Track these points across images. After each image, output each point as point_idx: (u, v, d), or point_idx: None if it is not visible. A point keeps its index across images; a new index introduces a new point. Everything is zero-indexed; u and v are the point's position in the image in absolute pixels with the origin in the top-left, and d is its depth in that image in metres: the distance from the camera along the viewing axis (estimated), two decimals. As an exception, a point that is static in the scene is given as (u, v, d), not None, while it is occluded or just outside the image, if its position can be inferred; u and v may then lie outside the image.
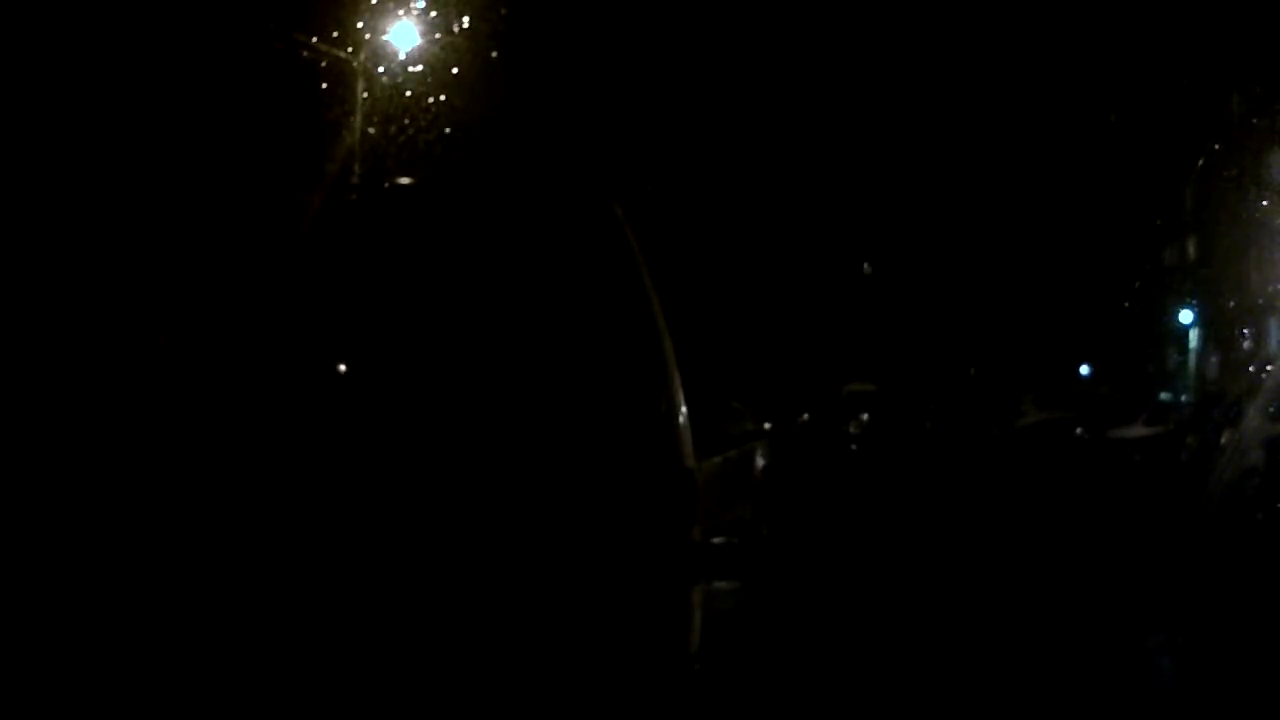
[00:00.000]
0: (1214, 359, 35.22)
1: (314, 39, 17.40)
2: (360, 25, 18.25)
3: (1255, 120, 28.14)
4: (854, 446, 28.29)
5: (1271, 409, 14.16)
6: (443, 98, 18.55)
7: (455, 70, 18.58)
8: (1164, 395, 33.19)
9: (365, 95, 18.36)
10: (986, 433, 27.99)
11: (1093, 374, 39.50)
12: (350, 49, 18.23)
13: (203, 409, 4.95)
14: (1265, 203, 27.35)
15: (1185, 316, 37.40)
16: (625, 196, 5.33)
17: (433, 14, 18.54)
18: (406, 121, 18.47)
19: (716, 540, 12.00)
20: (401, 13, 18.57)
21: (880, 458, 26.19)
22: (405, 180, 14.73)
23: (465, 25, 18.48)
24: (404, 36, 18.72)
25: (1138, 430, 23.01)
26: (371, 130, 18.45)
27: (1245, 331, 30.63)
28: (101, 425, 5.16)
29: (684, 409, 5.01)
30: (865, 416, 29.99)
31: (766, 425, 17.96)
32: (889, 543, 13.86)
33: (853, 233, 39.02)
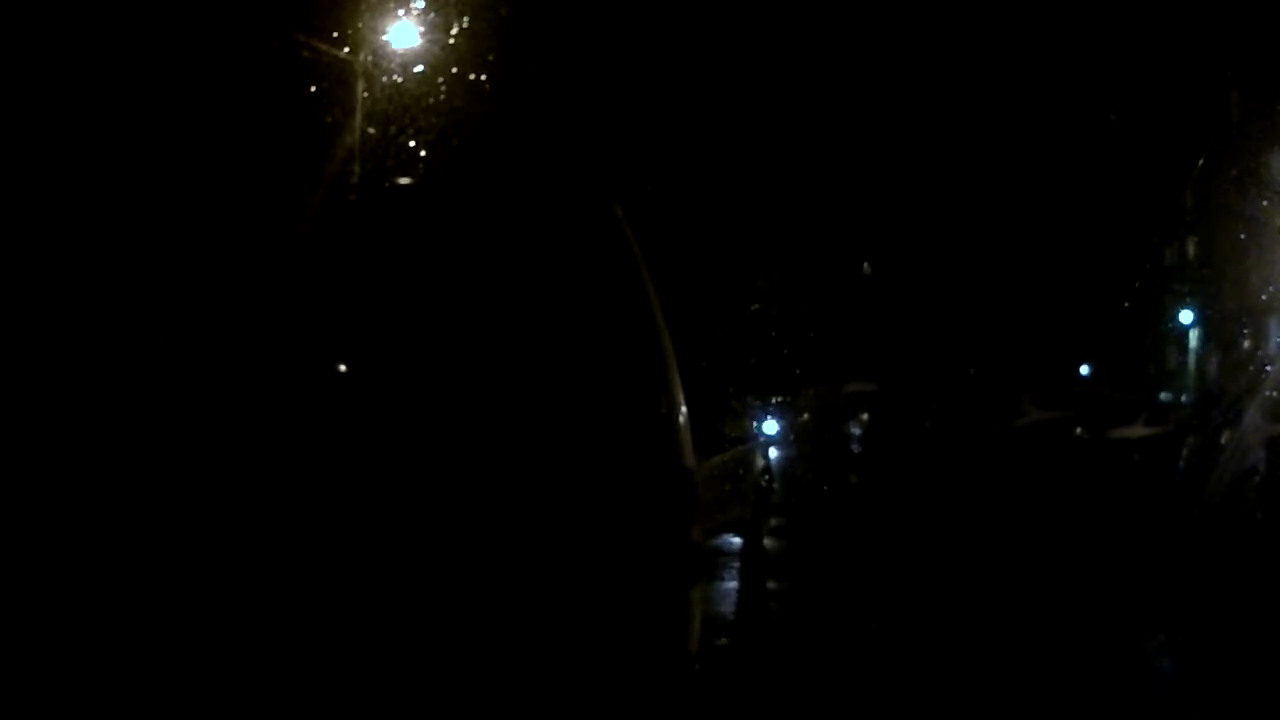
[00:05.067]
0: (1214, 359, 35.17)
1: (314, 39, 17.38)
2: (360, 25, 18.24)
3: (1255, 120, 28.13)
4: (854, 447, 28.27)
5: (1272, 409, 14.14)
6: (443, 98, 18.54)
7: (455, 70, 18.57)
8: (1164, 395, 33.14)
9: (365, 95, 18.35)
10: (986, 433, 27.96)
11: (1093, 374, 39.46)
12: (350, 49, 18.21)
13: (202, 408, 4.95)
14: (1265, 203, 27.31)
15: (1185, 316, 37.36)
16: (625, 197, 5.33)
17: (433, 14, 18.54)
18: (406, 121, 18.46)
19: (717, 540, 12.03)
20: (401, 13, 18.56)
21: (880, 457, 26.18)
22: (405, 180, 14.74)
23: (465, 25, 18.48)
24: (404, 36, 18.71)
25: (1138, 430, 22.98)
26: (371, 130, 18.44)
27: (1245, 331, 30.59)
28: (101, 425, 5.16)
29: (684, 409, 5.01)
30: (865, 416, 29.95)
31: (766, 426, 17.95)
32: (889, 543, 13.86)
33: (853, 233, 39.03)
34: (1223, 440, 14.40)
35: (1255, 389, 15.14)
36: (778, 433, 27.90)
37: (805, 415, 30.98)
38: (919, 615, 9.68)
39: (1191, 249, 38.83)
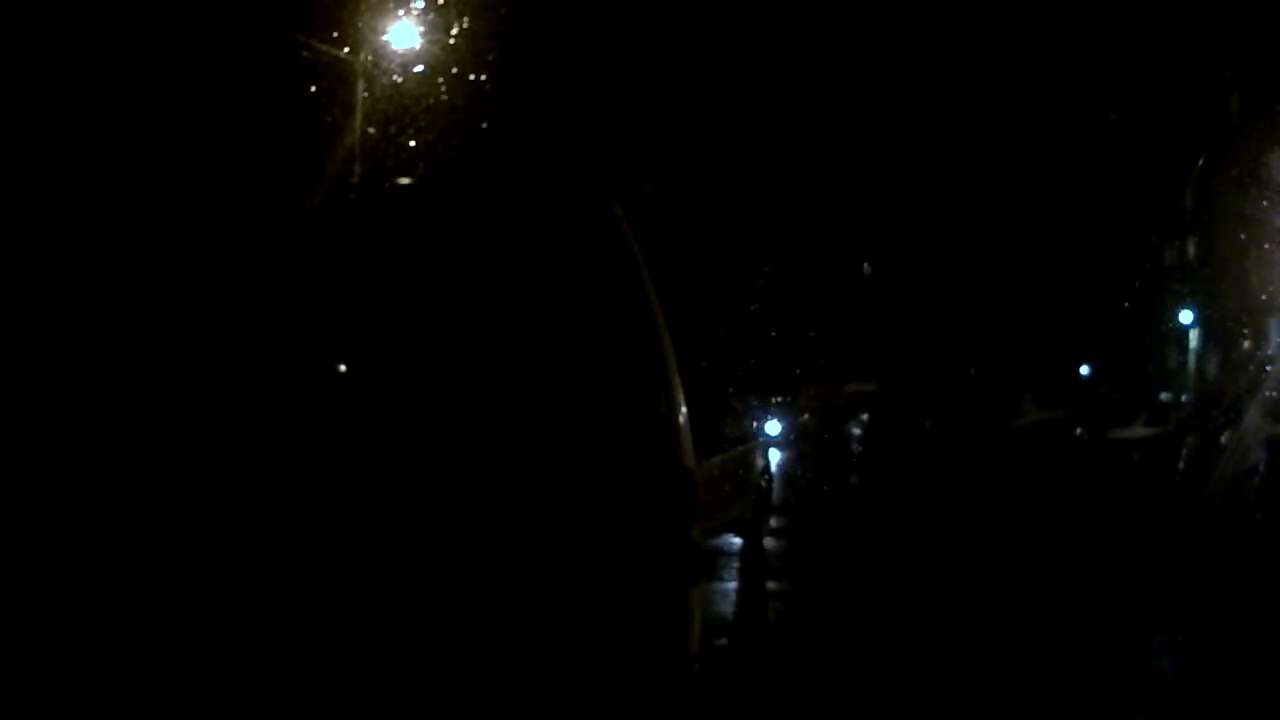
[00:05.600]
0: (1214, 359, 35.17)
1: (314, 39, 17.38)
2: (360, 25, 18.24)
3: (1255, 120, 28.14)
4: (855, 446, 28.30)
5: (1272, 409, 14.14)
6: (443, 98, 18.55)
7: (455, 70, 18.58)
8: (1164, 395, 33.16)
9: (365, 95, 18.35)
10: (986, 433, 27.97)
11: (1093, 374, 39.48)
12: (350, 49, 18.22)
13: (202, 408, 4.95)
14: (1265, 203, 27.32)
15: (1185, 316, 37.40)
16: (625, 196, 5.33)
17: (432, 14, 18.55)
18: (406, 121, 18.46)
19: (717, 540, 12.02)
20: (401, 13, 18.57)
21: (880, 457, 26.19)
22: (405, 180, 14.73)
23: (465, 25, 18.49)
24: (404, 36, 18.72)
25: (1138, 430, 22.96)
26: (371, 130, 18.44)
27: (1245, 331, 30.58)
28: (101, 425, 5.16)
29: (684, 409, 5.01)
30: (865, 416, 30.00)
31: (769, 426, 17.98)
32: (889, 543, 13.86)
33: (853, 233, 39.05)
34: (1223, 440, 14.39)
35: (1255, 389, 15.14)
36: (780, 434, 27.95)
37: (805, 415, 31.03)
38: (919, 615, 9.67)
39: (1191, 249, 38.84)
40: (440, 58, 18.57)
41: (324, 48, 17.65)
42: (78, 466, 5.04)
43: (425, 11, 18.55)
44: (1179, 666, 8.39)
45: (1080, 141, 37.02)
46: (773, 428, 26.43)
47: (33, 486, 5.12)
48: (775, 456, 18.82)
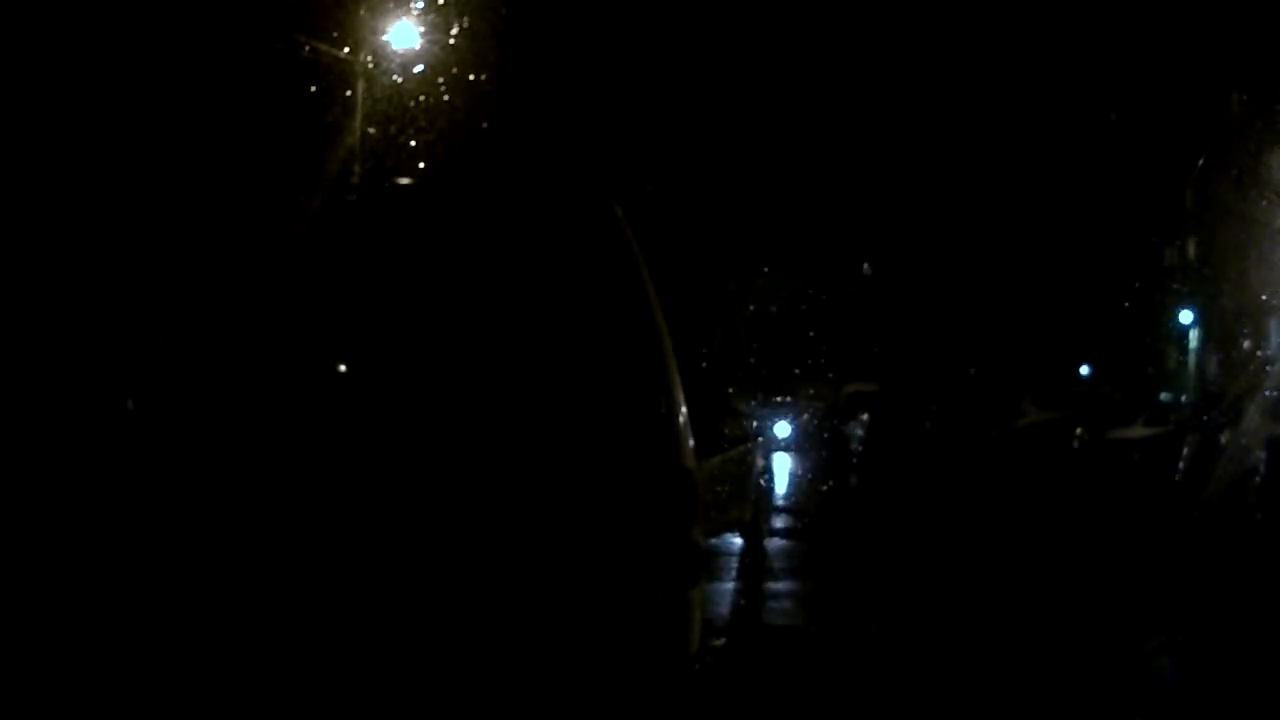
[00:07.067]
0: (1214, 359, 35.17)
1: (314, 39, 17.40)
2: (360, 25, 18.26)
3: (1255, 120, 28.16)
4: (855, 446, 28.29)
5: (1271, 409, 14.14)
6: (443, 98, 18.57)
7: (455, 70, 18.60)
8: (1164, 395, 33.16)
9: (365, 95, 18.37)
10: (986, 433, 27.96)
11: (1093, 374, 39.47)
12: (350, 49, 18.23)
13: (202, 408, 4.95)
14: (1265, 203, 27.34)
15: (1185, 316, 37.42)
16: (625, 196, 5.33)
17: (432, 14, 18.57)
18: (406, 121, 18.48)
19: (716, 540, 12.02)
20: (401, 13, 18.60)
21: (880, 458, 26.18)
22: (405, 180, 14.74)
23: (465, 25, 18.51)
24: (404, 36, 18.74)
25: (1138, 430, 22.96)
26: (371, 130, 18.46)
27: (1245, 331, 30.58)
28: (101, 424, 5.16)
29: (684, 409, 5.01)
30: (865, 416, 29.99)
31: (777, 428, 18.01)
32: (889, 543, 13.86)
33: (852, 233, 39.08)
34: (1223, 440, 14.40)
35: (1255, 389, 15.14)
36: (789, 435, 27.96)
37: (805, 415, 31.04)
38: (919, 616, 9.67)
39: (1191, 249, 38.84)
40: (440, 58, 18.59)
41: (324, 48, 17.66)
42: (78, 467, 5.04)
43: (425, 11, 18.58)
44: (1179, 666, 8.39)
45: (1080, 142, 37.02)
46: (781, 430, 26.52)
47: (33, 487, 5.12)
48: (776, 457, 18.81)
